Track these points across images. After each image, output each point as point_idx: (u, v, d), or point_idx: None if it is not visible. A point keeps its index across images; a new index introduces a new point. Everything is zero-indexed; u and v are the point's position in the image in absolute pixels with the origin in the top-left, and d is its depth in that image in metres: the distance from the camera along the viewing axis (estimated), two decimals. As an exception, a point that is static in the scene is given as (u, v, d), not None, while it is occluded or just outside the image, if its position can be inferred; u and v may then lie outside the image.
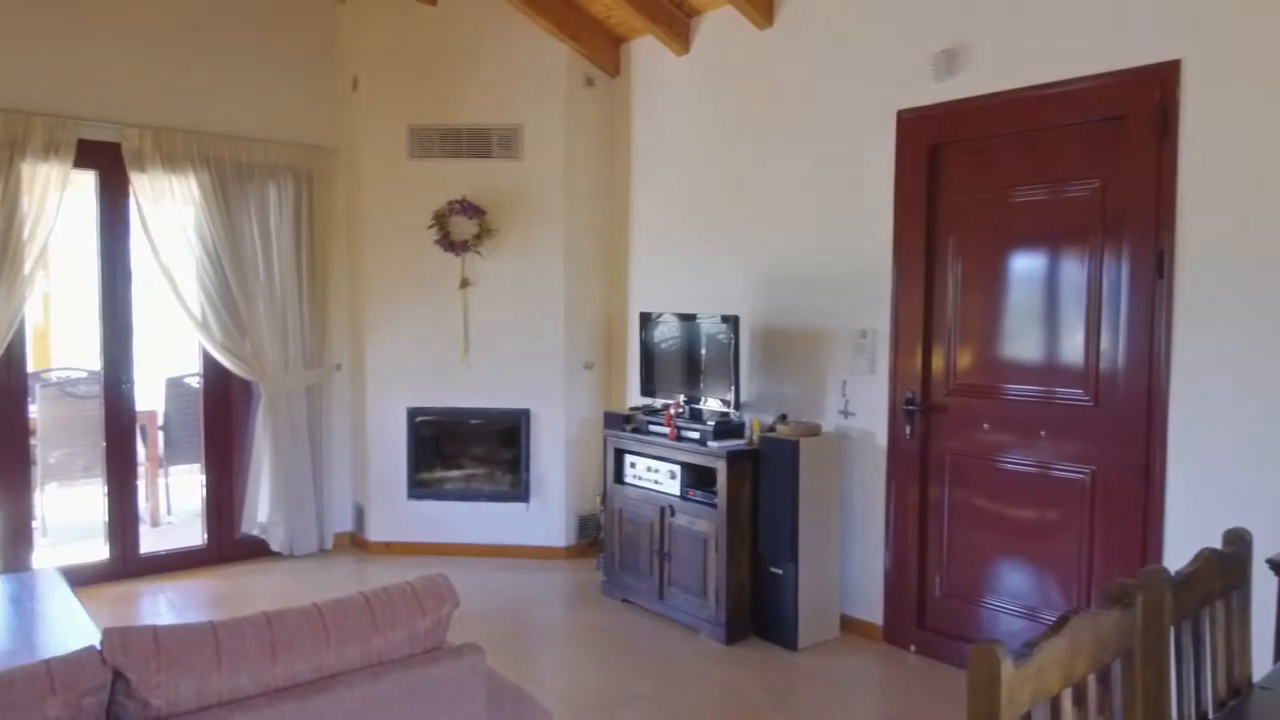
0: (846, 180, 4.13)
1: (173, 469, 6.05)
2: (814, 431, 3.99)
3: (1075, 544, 3.43)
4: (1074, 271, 3.42)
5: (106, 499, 4.92)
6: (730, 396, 4.23)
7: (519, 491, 5.37)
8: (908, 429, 3.90)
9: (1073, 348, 3.42)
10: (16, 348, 4.48)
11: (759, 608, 4.08)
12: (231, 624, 1.69)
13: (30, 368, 4.79)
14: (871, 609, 4.08)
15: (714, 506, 4.05)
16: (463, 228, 5.20)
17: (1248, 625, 1.89)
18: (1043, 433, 3.51)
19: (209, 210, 4.86)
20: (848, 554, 4.14)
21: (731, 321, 4.23)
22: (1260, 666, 2.17)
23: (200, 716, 1.57)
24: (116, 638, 1.58)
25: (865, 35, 4.03)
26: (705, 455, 4.11)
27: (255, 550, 5.24)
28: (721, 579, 4.01)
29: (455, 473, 5.53)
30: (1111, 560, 3.32)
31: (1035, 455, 3.54)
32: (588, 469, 5.38)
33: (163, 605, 4.61)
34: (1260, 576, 2.09)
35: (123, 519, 4.92)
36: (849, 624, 4.13)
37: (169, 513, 6.04)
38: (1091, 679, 1.36)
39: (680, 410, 4.44)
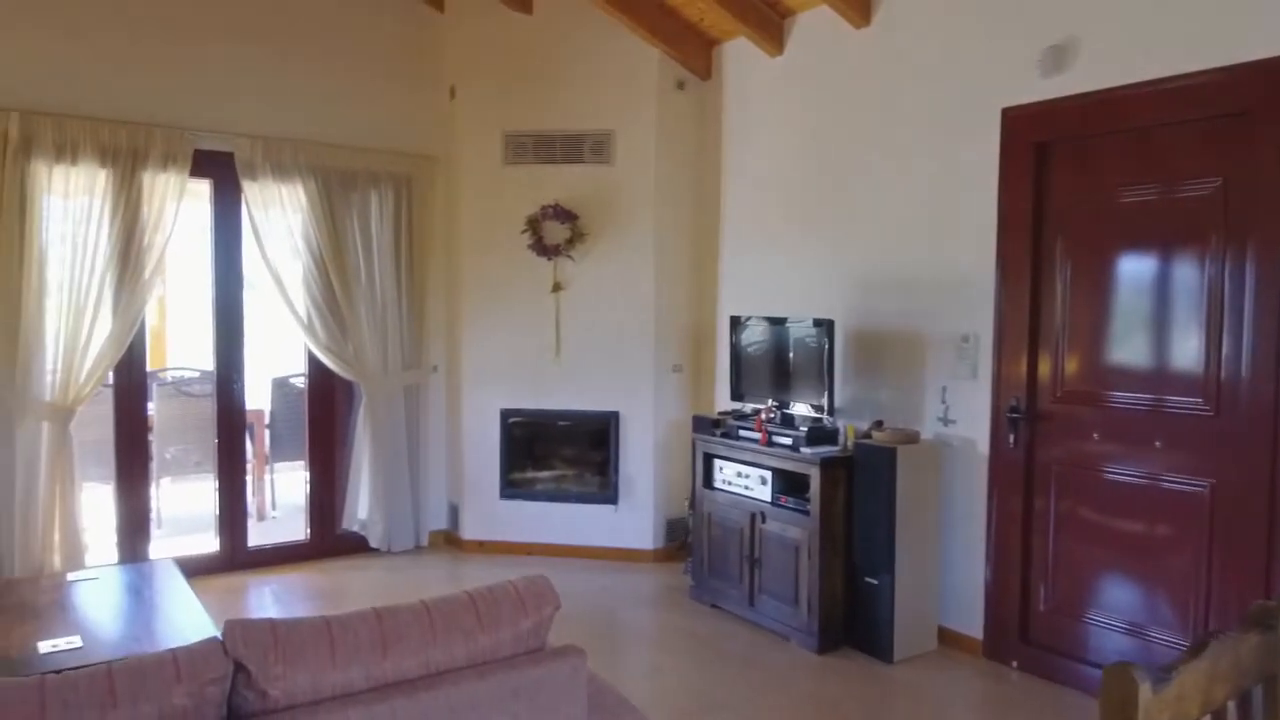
0: (946, 180, 4.02)
1: (277, 465, 6.30)
2: (912, 438, 3.89)
3: (1191, 560, 3.26)
4: (1191, 274, 3.25)
5: (217, 494, 5.14)
6: (823, 402, 4.16)
7: (608, 493, 5.40)
8: (1011, 437, 3.77)
9: (1190, 354, 3.25)
10: (137, 348, 4.73)
11: (853, 618, 4.00)
12: (344, 619, 1.74)
13: (148, 367, 5.04)
14: (971, 622, 3.96)
15: (806, 514, 3.99)
16: (555, 232, 5.26)
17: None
18: (1157, 443, 3.34)
19: (315, 216, 5.04)
20: (946, 565, 4.02)
21: (825, 325, 4.16)
22: None
23: (315, 709, 1.61)
24: (237, 630, 1.64)
25: (967, 32, 3.92)
26: (798, 461, 4.05)
27: (355, 546, 5.41)
28: (814, 587, 3.95)
29: (546, 473, 5.59)
30: (1231, 579, 3.14)
31: (1148, 466, 3.38)
32: (676, 472, 5.37)
33: (267, 597, 4.79)
34: None
35: (232, 513, 5.14)
36: (947, 637, 4.02)
37: (273, 508, 6.28)
38: (1231, 705, 1.29)
39: (771, 415, 4.39)
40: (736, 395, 4.71)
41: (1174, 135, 3.28)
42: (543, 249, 5.25)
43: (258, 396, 5.90)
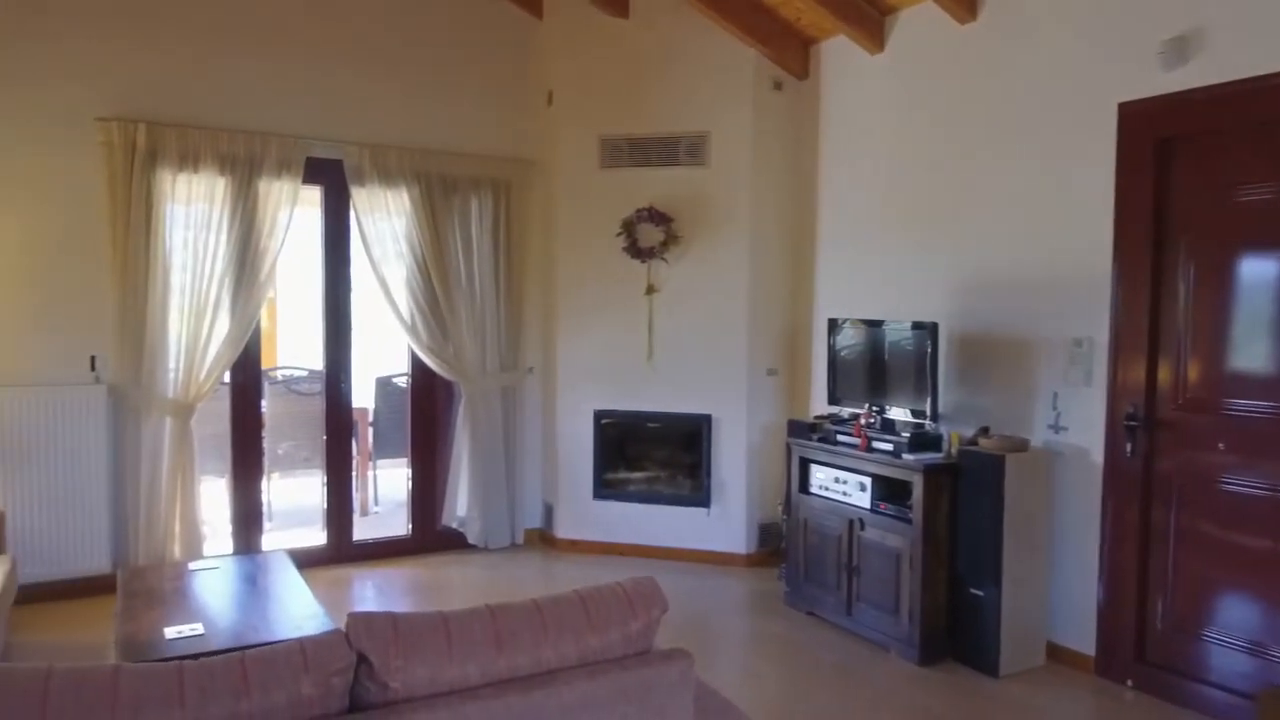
0: (1057, 178, 3.87)
1: (379, 462, 6.49)
2: (1020, 446, 3.76)
3: (1330, 581, 3.06)
4: (1333, 276, 3.05)
5: (325, 489, 5.33)
6: (925, 407, 4.06)
7: (700, 496, 5.39)
8: (1128, 446, 3.60)
9: (1330, 361, 3.06)
10: (252, 349, 4.94)
11: (956, 629, 3.89)
12: (459, 615, 1.77)
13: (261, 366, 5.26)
14: (1082, 638, 3.80)
15: (908, 521, 3.90)
16: (649, 235, 5.27)
17: None
18: (1292, 455, 3.15)
19: (418, 221, 5.18)
20: (1056, 577, 3.87)
21: (928, 328, 4.06)
22: None
23: (433, 703, 1.64)
24: (360, 622, 1.69)
25: (1081, 24, 3.77)
26: (899, 468, 3.96)
27: (453, 542, 5.53)
28: (916, 597, 3.85)
29: (638, 475, 5.61)
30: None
31: (1276, 478, 3.18)
32: (769, 476, 5.33)
33: (370, 590, 4.94)
34: None
35: (339, 508, 5.32)
36: (1056, 652, 3.87)
37: (376, 503, 6.48)
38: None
39: (871, 420, 4.31)
40: (833, 399, 4.64)
41: (1312, 128, 3.09)
42: (637, 252, 5.27)
43: (361, 395, 6.09)
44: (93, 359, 4.55)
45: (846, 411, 4.57)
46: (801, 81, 5.33)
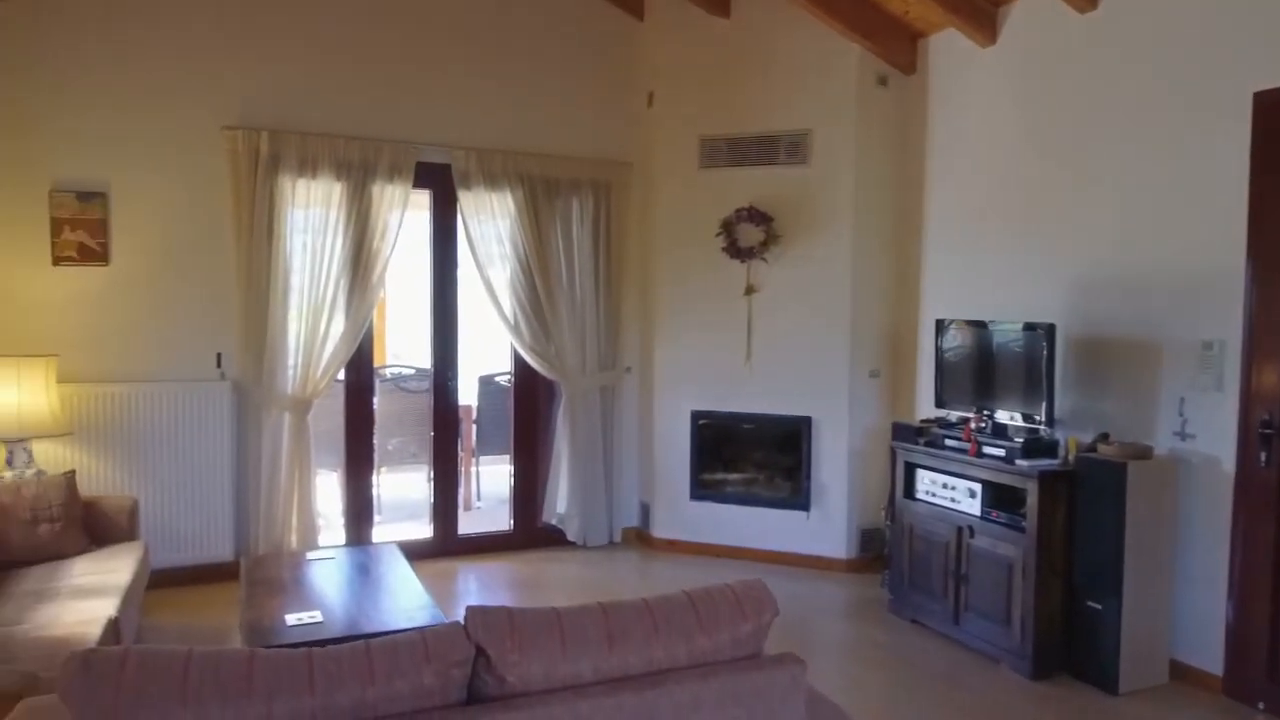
0: (1183, 171, 3.68)
1: (482, 459, 6.64)
2: (1144, 454, 3.59)
3: None
4: None
5: (432, 484, 5.49)
6: (1039, 411, 3.91)
7: (799, 499, 5.32)
8: (1263, 455, 3.39)
9: None
10: (364, 348, 5.12)
11: (1071, 643, 3.74)
12: (572, 611, 1.79)
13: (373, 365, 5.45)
14: (1209, 656, 3.60)
15: (1021, 530, 3.76)
16: (749, 235, 5.24)
17: None
18: None
19: (522, 223, 5.28)
20: (1180, 591, 3.68)
21: (1044, 330, 3.91)
22: None
23: (548, 699, 1.67)
24: (478, 616, 1.73)
25: (1209, 11, 3.56)
26: (1012, 474, 3.83)
27: (553, 539, 5.62)
28: (1029, 608, 3.71)
29: (735, 476, 5.58)
30: None
31: None
32: (871, 481, 5.22)
33: (474, 583, 5.06)
34: None
35: (445, 503, 5.48)
36: (1180, 671, 3.67)
37: (478, 499, 6.63)
38: None
39: (981, 424, 4.17)
40: (940, 402, 4.52)
41: None
42: (736, 252, 5.24)
43: (465, 393, 6.24)
44: (219, 356, 4.80)
45: (954, 415, 4.44)
46: (908, 76, 5.21)
